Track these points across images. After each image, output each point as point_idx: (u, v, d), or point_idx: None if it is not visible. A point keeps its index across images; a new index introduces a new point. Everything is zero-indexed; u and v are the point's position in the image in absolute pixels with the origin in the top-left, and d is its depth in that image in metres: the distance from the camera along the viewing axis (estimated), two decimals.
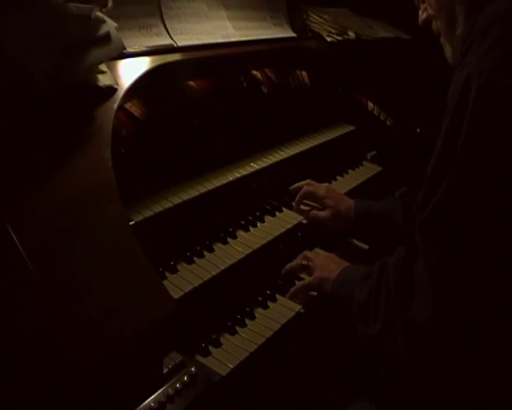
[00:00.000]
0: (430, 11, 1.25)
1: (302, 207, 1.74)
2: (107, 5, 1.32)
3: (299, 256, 1.56)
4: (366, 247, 1.78)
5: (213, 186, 1.53)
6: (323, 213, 1.71)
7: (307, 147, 1.94)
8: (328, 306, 1.44)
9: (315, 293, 1.47)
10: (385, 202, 1.77)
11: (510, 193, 1.01)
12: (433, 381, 1.13)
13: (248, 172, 1.66)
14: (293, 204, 1.74)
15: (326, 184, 1.82)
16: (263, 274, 1.52)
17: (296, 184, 1.78)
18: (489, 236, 1.02)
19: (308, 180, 1.80)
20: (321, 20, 2.40)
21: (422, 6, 1.29)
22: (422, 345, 1.12)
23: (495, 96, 0.99)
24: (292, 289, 1.48)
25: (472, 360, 1.10)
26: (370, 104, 2.32)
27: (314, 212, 1.72)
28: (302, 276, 1.54)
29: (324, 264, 1.48)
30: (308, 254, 1.55)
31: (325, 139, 2.05)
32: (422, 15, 1.29)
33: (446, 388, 1.13)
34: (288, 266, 1.55)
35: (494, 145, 1.00)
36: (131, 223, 1.26)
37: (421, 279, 1.09)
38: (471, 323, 1.07)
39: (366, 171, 2.13)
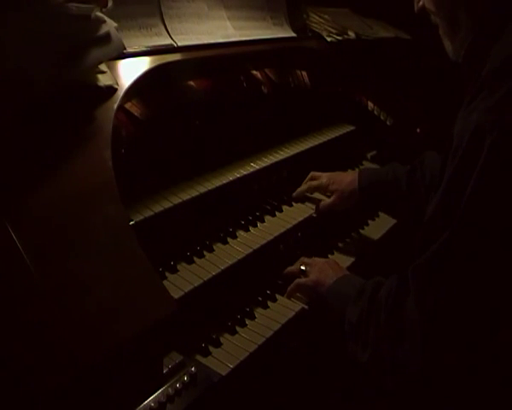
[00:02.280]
0: (428, 6, 1.22)
1: (307, 203, 1.78)
2: (107, 5, 1.32)
3: (297, 262, 1.55)
4: (374, 238, 1.81)
5: (213, 186, 1.52)
6: (331, 200, 1.75)
7: (307, 147, 1.94)
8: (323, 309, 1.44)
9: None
10: (389, 167, 1.80)
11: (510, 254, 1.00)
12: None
13: (248, 172, 1.66)
14: (294, 203, 1.75)
15: (327, 173, 1.83)
16: (263, 274, 1.52)
17: (306, 186, 1.81)
18: (485, 291, 1.02)
19: (311, 173, 1.84)
20: (321, 20, 2.40)
21: None
22: (410, 384, 1.13)
23: (509, 154, 0.97)
24: (289, 288, 1.47)
25: (463, 398, 1.10)
26: (370, 104, 2.32)
27: (322, 202, 1.76)
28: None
29: (322, 268, 1.46)
30: (305, 260, 1.53)
31: (325, 139, 2.05)
32: (418, 3, 1.25)
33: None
34: (287, 269, 1.53)
35: (502, 204, 0.99)
36: (131, 223, 1.26)
37: (411, 321, 1.08)
38: (460, 368, 1.07)
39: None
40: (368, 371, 1.22)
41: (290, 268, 1.54)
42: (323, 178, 1.81)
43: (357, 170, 1.85)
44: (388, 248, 1.87)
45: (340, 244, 1.76)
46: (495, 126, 0.97)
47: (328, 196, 1.78)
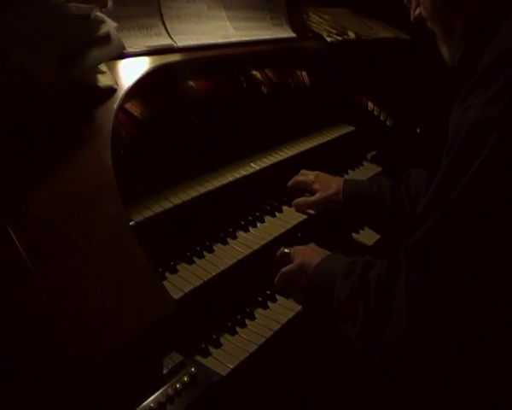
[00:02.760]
0: (424, 13, 1.23)
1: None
2: (107, 5, 1.32)
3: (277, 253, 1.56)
4: (369, 243, 1.79)
5: (213, 186, 1.52)
6: (312, 198, 1.75)
7: (307, 147, 1.94)
8: (308, 294, 1.45)
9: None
10: (374, 181, 1.80)
11: (501, 240, 1.00)
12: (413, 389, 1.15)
13: (248, 172, 1.66)
14: (294, 206, 1.75)
15: (315, 172, 1.83)
16: (263, 274, 1.52)
17: (292, 180, 1.81)
18: (474, 273, 1.03)
19: (302, 171, 1.84)
20: (321, 20, 2.40)
21: (414, 3, 1.26)
22: (396, 363, 1.13)
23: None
24: (276, 280, 1.48)
25: (448, 379, 1.11)
26: (370, 104, 2.32)
27: (303, 198, 1.75)
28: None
29: (305, 251, 1.49)
30: (286, 249, 1.55)
31: (325, 139, 2.05)
32: (415, 12, 1.26)
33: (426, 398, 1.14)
34: (277, 253, 1.54)
35: (501, 194, 0.99)
36: (131, 223, 1.26)
37: (400, 298, 1.09)
38: (445, 347, 1.08)
39: (366, 171, 2.13)
40: (357, 349, 1.23)
41: (277, 253, 1.54)
42: (310, 175, 1.81)
43: (342, 179, 1.83)
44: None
45: (339, 245, 1.75)
46: (501, 120, 0.97)
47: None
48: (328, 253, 1.48)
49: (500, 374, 1.08)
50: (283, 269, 1.48)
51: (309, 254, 1.47)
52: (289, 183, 1.81)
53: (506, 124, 0.97)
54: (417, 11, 1.25)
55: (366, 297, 1.18)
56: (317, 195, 1.75)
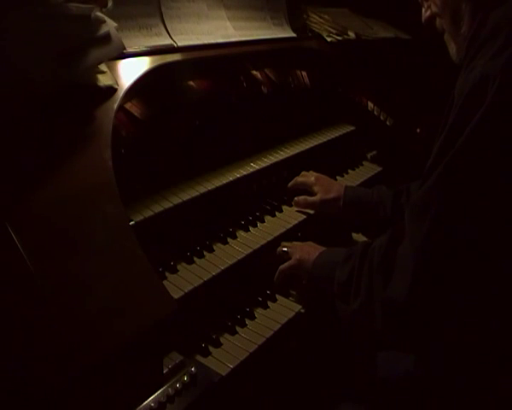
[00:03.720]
0: (434, 9, 1.25)
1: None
2: (107, 5, 1.32)
3: (278, 249, 1.56)
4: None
5: (213, 186, 1.53)
6: (312, 198, 1.75)
7: (307, 147, 1.94)
8: (307, 289, 1.45)
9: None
10: (375, 189, 1.79)
11: (503, 193, 1.01)
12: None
13: (248, 172, 1.66)
14: (293, 203, 1.75)
15: (317, 174, 1.84)
16: (263, 274, 1.52)
17: (292, 181, 1.81)
18: (473, 227, 1.03)
19: (302, 172, 1.84)
20: (321, 20, 2.40)
21: (426, 4, 1.28)
22: (398, 324, 1.14)
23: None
24: (275, 278, 1.48)
25: (448, 344, 1.11)
26: (370, 104, 2.32)
27: (303, 197, 1.75)
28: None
29: (303, 248, 1.49)
30: (286, 243, 1.56)
31: (325, 139, 2.05)
32: (426, 13, 1.28)
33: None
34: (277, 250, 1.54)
35: (504, 141, 1.00)
36: (131, 223, 1.26)
37: (404, 258, 1.10)
38: (446, 308, 1.08)
39: (366, 171, 2.13)
40: (357, 322, 1.24)
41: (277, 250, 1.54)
42: (311, 176, 1.81)
43: (343, 182, 1.83)
44: None
45: (339, 245, 1.75)
46: (501, 70, 0.99)
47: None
48: (325, 248, 1.48)
49: (498, 336, 1.08)
50: (282, 266, 1.48)
51: (307, 250, 1.47)
52: (290, 184, 1.81)
53: (506, 74, 0.98)
54: (428, 12, 1.27)
55: (369, 267, 1.19)
56: (318, 196, 1.75)
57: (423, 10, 1.30)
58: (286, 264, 1.48)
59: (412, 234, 1.09)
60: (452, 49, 1.25)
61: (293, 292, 1.49)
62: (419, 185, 1.13)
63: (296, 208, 1.74)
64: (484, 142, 1.01)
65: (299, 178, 1.81)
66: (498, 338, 1.08)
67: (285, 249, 1.52)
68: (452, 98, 1.12)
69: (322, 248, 1.47)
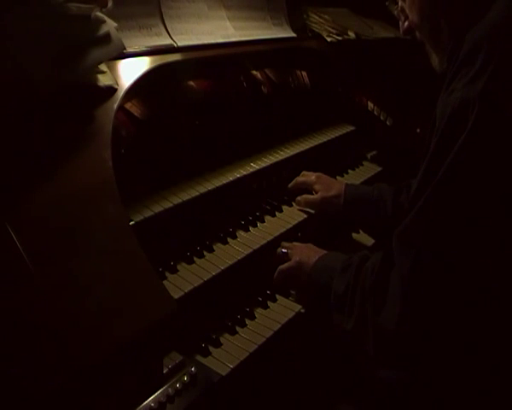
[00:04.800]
0: (412, 22, 1.26)
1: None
2: (107, 5, 1.32)
3: (278, 250, 1.56)
4: (368, 244, 1.79)
5: (213, 186, 1.52)
6: (313, 197, 1.75)
7: (307, 147, 1.94)
8: (306, 291, 1.46)
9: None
10: (375, 187, 1.79)
11: (488, 217, 1.02)
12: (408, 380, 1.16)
13: (248, 172, 1.66)
14: (293, 203, 1.75)
15: (317, 173, 1.84)
16: (263, 274, 1.52)
17: (293, 181, 1.81)
18: (457, 259, 1.04)
19: (303, 172, 1.84)
20: (321, 20, 2.39)
21: (403, 16, 1.29)
22: (389, 350, 1.15)
23: (496, 121, 1.00)
24: (274, 277, 1.48)
25: (441, 367, 1.12)
26: (370, 104, 2.32)
27: (304, 195, 1.76)
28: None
29: (303, 250, 1.50)
30: (285, 243, 1.56)
31: (325, 139, 2.05)
32: (404, 25, 1.30)
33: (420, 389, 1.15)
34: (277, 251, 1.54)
35: (485, 169, 1.01)
36: (131, 223, 1.26)
37: (393, 286, 1.11)
38: (436, 335, 1.09)
39: (366, 171, 2.13)
40: (353, 339, 1.25)
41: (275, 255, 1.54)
42: (311, 176, 1.81)
43: (343, 180, 1.83)
44: None
45: (339, 245, 1.75)
46: (480, 96, 0.99)
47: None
48: (326, 251, 1.48)
49: (490, 353, 1.09)
50: (281, 266, 1.49)
51: (307, 253, 1.48)
52: (290, 184, 1.81)
53: (486, 98, 0.99)
54: (406, 24, 1.29)
55: (362, 287, 1.20)
56: (319, 194, 1.75)
57: (400, 23, 1.32)
58: (285, 265, 1.48)
59: (399, 264, 1.10)
60: (434, 60, 1.27)
61: (293, 292, 1.49)
62: (407, 211, 1.12)
63: (297, 208, 1.74)
64: (464, 172, 1.01)
65: (299, 178, 1.81)
66: (489, 358, 1.09)
67: (285, 250, 1.52)
68: (434, 118, 1.12)
69: (322, 252, 1.47)
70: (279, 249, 1.54)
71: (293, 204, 1.76)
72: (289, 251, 1.51)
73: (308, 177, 1.81)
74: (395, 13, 1.33)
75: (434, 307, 1.07)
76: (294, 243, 1.56)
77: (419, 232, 1.07)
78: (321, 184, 1.78)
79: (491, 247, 1.03)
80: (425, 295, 1.06)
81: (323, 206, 1.74)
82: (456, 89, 1.04)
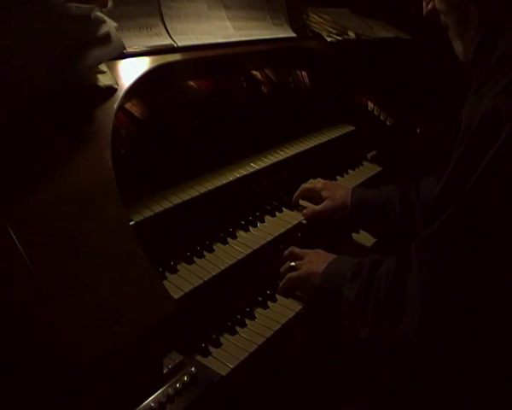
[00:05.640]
0: (439, 6, 1.21)
1: (301, 203, 1.76)
2: (107, 5, 1.32)
3: (286, 252, 1.55)
4: (368, 245, 1.79)
5: (213, 186, 1.52)
6: (320, 206, 1.73)
7: (307, 147, 1.94)
8: (318, 301, 1.44)
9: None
10: (382, 189, 1.78)
11: None
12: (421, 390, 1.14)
13: (248, 172, 1.66)
14: (302, 215, 1.73)
15: (323, 180, 1.83)
16: (263, 274, 1.52)
17: (299, 188, 1.79)
18: (487, 269, 1.03)
19: (310, 180, 1.82)
20: (321, 20, 2.40)
21: None
22: (408, 360, 1.13)
23: None
24: (281, 283, 1.47)
25: (459, 376, 1.11)
26: (370, 104, 2.32)
27: (311, 207, 1.74)
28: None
29: (312, 259, 1.47)
30: (296, 250, 1.54)
31: (325, 139, 2.05)
32: (428, 6, 1.24)
33: (433, 396, 1.14)
34: (280, 270, 1.52)
35: None
36: (131, 223, 1.26)
37: (412, 295, 1.09)
38: (456, 345, 1.08)
39: (366, 171, 2.13)
40: (369, 348, 1.22)
41: (282, 268, 1.52)
42: (318, 182, 1.80)
43: (349, 185, 1.81)
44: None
45: (339, 245, 1.75)
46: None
47: (318, 203, 1.76)
48: (335, 256, 1.46)
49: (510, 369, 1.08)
50: (291, 274, 1.46)
51: (316, 261, 1.45)
52: (296, 193, 1.77)
53: None
54: (430, 5, 1.23)
55: (376, 295, 1.17)
56: (325, 203, 1.73)
57: (424, 3, 1.26)
58: (294, 273, 1.46)
59: (420, 273, 1.08)
60: (458, 47, 1.22)
61: (297, 293, 1.48)
62: (426, 217, 1.11)
63: (304, 219, 1.71)
64: (495, 187, 0.99)
65: (305, 185, 1.79)
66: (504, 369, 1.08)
67: (293, 264, 1.49)
68: (459, 124, 1.10)
69: (331, 257, 1.44)
70: (286, 264, 1.51)
71: (302, 216, 1.73)
72: (297, 263, 1.48)
73: (314, 184, 1.79)
74: None
75: (455, 318, 1.05)
76: (304, 250, 1.53)
77: (446, 245, 1.04)
78: (327, 190, 1.75)
79: None
80: (447, 306, 1.05)
81: (331, 214, 1.72)
82: (488, 95, 1.02)
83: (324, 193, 1.75)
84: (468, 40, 1.19)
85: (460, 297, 1.04)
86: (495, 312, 1.05)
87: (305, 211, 1.72)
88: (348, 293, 1.26)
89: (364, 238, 1.83)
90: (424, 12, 1.26)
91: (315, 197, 1.77)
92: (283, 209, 1.72)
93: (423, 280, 1.07)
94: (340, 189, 1.79)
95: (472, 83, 1.13)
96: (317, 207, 1.73)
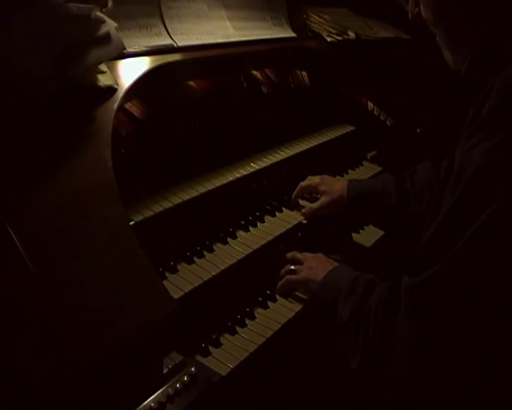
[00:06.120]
0: (425, 15, 1.17)
1: (300, 203, 1.76)
2: (107, 5, 1.32)
3: (289, 255, 1.55)
4: (367, 245, 1.79)
5: (213, 186, 1.52)
6: (317, 203, 1.73)
7: (307, 147, 1.94)
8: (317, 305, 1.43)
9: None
10: (379, 179, 1.79)
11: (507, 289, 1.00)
12: None
13: (248, 172, 1.66)
14: (301, 215, 1.73)
15: (322, 175, 1.83)
16: (263, 274, 1.52)
17: (298, 187, 1.79)
18: (474, 323, 1.02)
19: (308, 177, 1.83)
20: (321, 20, 2.40)
21: (412, 2, 1.20)
22: (399, 392, 1.13)
23: None
24: (279, 284, 1.47)
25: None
26: (370, 104, 2.32)
27: (308, 205, 1.74)
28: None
29: (312, 265, 1.46)
30: (297, 255, 1.54)
31: (325, 139, 2.05)
32: (413, 9, 1.20)
33: None
34: (281, 272, 1.52)
35: (509, 245, 0.98)
36: (131, 223, 1.26)
37: (400, 338, 1.07)
38: (447, 384, 1.07)
39: (366, 171, 2.13)
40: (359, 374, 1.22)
41: (282, 271, 1.52)
42: (315, 178, 1.81)
43: (346, 178, 1.81)
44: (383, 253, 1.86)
45: (338, 246, 1.75)
46: (508, 171, 0.95)
47: (316, 200, 1.76)
48: (335, 263, 1.46)
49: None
50: (290, 277, 1.47)
51: (315, 268, 1.44)
52: (295, 192, 1.77)
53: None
54: (416, 10, 1.19)
55: (365, 327, 1.15)
56: (322, 198, 1.73)
57: (409, 9, 1.21)
58: (293, 277, 1.46)
59: (409, 314, 1.06)
60: (448, 56, 1.19)
61: (297, 293, 1.48)
62: (415, 261, 1.09)
63: (304, 219, 1.71)
64: (488, 246, 0.98)
65: (303, 183, 1.79)
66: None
67: (293, 268, 1.49)
68: (451, 162, 1.08)
69: (331, 265, 1.44)
70: (286, 267, 1.51)
71: (301, 216, 1.73)
72: (297, 267, 1.48)
73: (312, 180, 1.80)
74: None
75: (445, 364, 1.04)
76: (305, 255, 1.53)
77: (433, 299, 1.04)
78: (325, 185, 1.76)
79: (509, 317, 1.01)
80: (436, 354, 1.04)
81: (329, 208, 1.72)
82: (479, 148, 0.99)
83: (322, 188, 1.76)
84: (459, 55, 1.16)
85: (449, 348, 1.03)
86: (485, 358, 1.04)
87: (303, 210, 1.72)
88: (342, 312, 1.25)
89: (364, 239, 1.83)
90: (409, 15, 1.22)
91: (313, 193, 1.78)
92: (283, 209, 1.72)
93: (411, 326, 1.06)
94: (337, 182, 1.79)
95: (464, 127, 1.09)
96: (315, 205, 1.73)
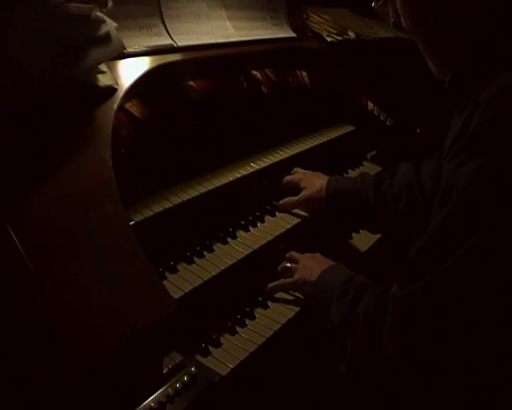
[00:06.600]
0: (405, 25, 1.16)
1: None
2: (107, 5, 1.32)
3: (287, 255, 1.55)
4: (362, 249, 1.78)
5: (213, 186, 1.52)
6: (296, 197, 1.73)
7: (307, 147, 1.94)
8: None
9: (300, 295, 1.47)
10: (358, 177, 1.78)
11: (490, 309, 0.99)
12: None
13: (248, 172, 1.66)
14: (279, 207, 1.73)
15: (305, 171, 1.82)
16: (263, 274, 1.52)
17: (284, 178, 1.80)
18: (461, 341, 1.01)
19: (294, 168, 1.83)
20: (321, 20, 2.40)
21: (392, 11, 1.19)
22: (385, 401, 1.11)
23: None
24: (272, 285, 1.47)
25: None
26: (370, 104, 2.32)
27: (287, 199, 1.73)
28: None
29: (307, 264, 1.46)
30: (294, 254, 1.54)
31: (325, 139, 2.05)
32: (394, 20, 1.19)
33: None
34: (278, 268, 1.53)
35: (493, 271, 0.97)
36: (131, 223, 1.26)
37: (385, 351, 1.07)
38: (433, 392, 1.06)
39: (366, 171, 2.12)
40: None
41: (278, 268, 1.52)
42: (300, 173, 1.81)
43: (327, 177, 1.79)
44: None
45: (337, 247, 1.75)
46: (495, 196, 0.94)
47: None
48: (331, 262, 1.45)
49: None
50: (285, 280, 1.47)
51: (310, 268, 1.44)
52: (282, 182, 1.79)
53: (500, 202, 0.94)
54: (396, 18, 1.18)
55: (354, 333, 1.15)
56: (301, 193, 1.73)
57: (390, 12, 1.20)
58: (289, 280, 1.46)
59: (395, 326, 1.06)
60: (431, 66, 1.18)
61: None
62: (401, 272, 1.08)
63: (282, 210, 1.71)
64: (475, 269, 0.97)
65: (288, 176, 1.80)
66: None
67: (289, 265, 1.50)
68: (438, 177, 1.07)
69: (326, 263, 1.44)
70: (283, 264, 1.51)
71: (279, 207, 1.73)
72: (293, 266, 1.48)
73: (295, 175, 1.80)
74: (375, 7, 1.22)
75: (428, 378, 1.03)
76: (305, 254, 1.53)
77: (417, 310, 1.03)
78: (305, 181, 1.76)
79: (489, 335, 1.00)
80: (419, 367, 1.03)
81: (307, 204, 1.72)
82: (469, 163, 0.97)
83: (302, 184, 1.76)
84: (441, 65, 1.15)
85: (431, 360, 1.02)
86: (471, 378, 1.03)
87: (281, 202, 1.72)
88: (334, 314, 1.24)
89: (360, 243, 1.80)
90: (390, 23, 1.21)
91: (295, 188, 1.77)
92: None
93: (394, 337, 1.05)
94: (318, 178, 1.78)
95: (452, 142, 1.06)
96: (293, 198, 1.72)
